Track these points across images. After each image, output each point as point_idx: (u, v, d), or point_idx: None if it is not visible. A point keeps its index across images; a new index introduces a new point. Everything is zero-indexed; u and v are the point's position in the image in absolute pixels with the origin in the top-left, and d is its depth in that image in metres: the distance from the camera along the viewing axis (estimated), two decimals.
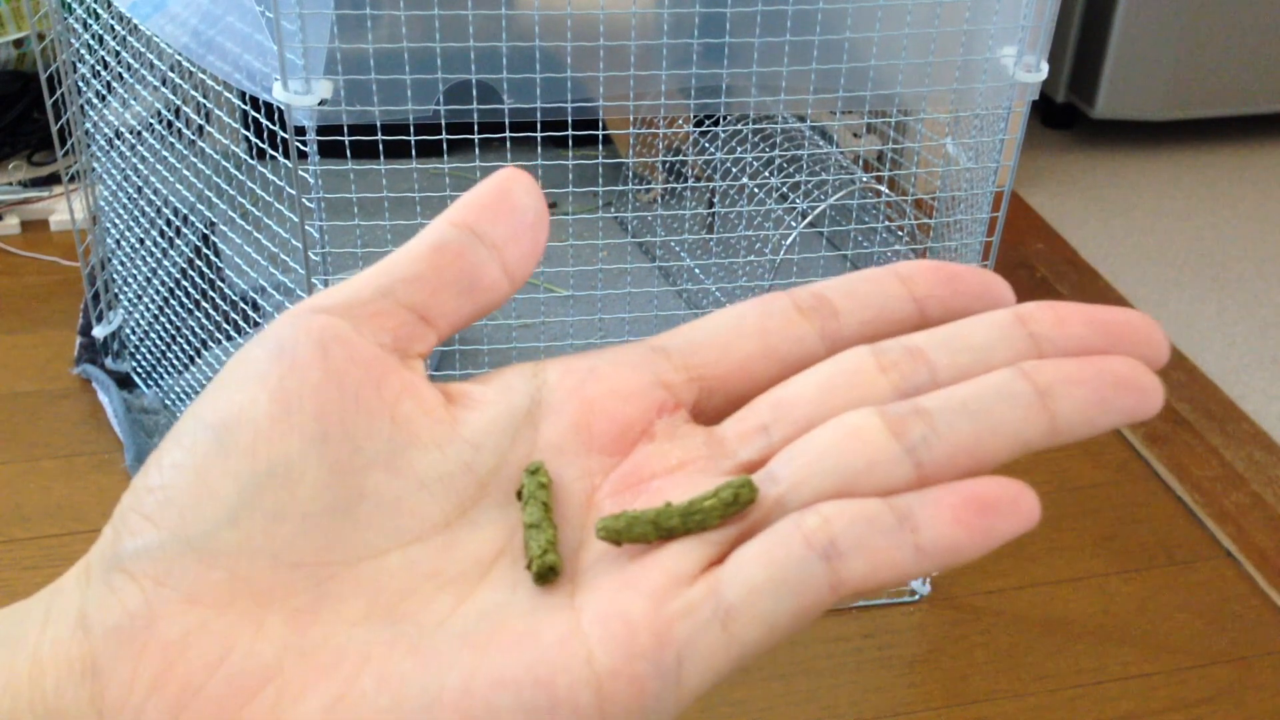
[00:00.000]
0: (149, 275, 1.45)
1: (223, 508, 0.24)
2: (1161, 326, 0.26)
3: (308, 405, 0.25)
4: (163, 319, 1.43)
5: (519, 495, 0.26)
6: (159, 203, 1.41)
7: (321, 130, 0.98)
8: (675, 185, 1.69)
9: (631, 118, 1.29)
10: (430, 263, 0.27)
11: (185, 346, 1.40)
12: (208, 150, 1.25)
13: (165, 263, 1.45)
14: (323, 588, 0.24)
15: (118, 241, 1.44)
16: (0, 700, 0.24)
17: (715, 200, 1.68)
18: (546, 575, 0.25)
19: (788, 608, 0.23)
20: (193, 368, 1.41)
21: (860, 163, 1.77)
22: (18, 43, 1.87)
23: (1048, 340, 0.26)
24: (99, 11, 1.29)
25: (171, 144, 1.29)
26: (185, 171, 1.28)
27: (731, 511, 0.25)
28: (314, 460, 0.25)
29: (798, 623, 0.24)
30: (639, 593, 0.24)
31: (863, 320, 0.28)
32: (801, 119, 1.65)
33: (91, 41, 1.30)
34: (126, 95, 1.31)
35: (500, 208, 0.28)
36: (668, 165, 1.72)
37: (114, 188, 1.41)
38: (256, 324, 1.39)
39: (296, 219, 1.03)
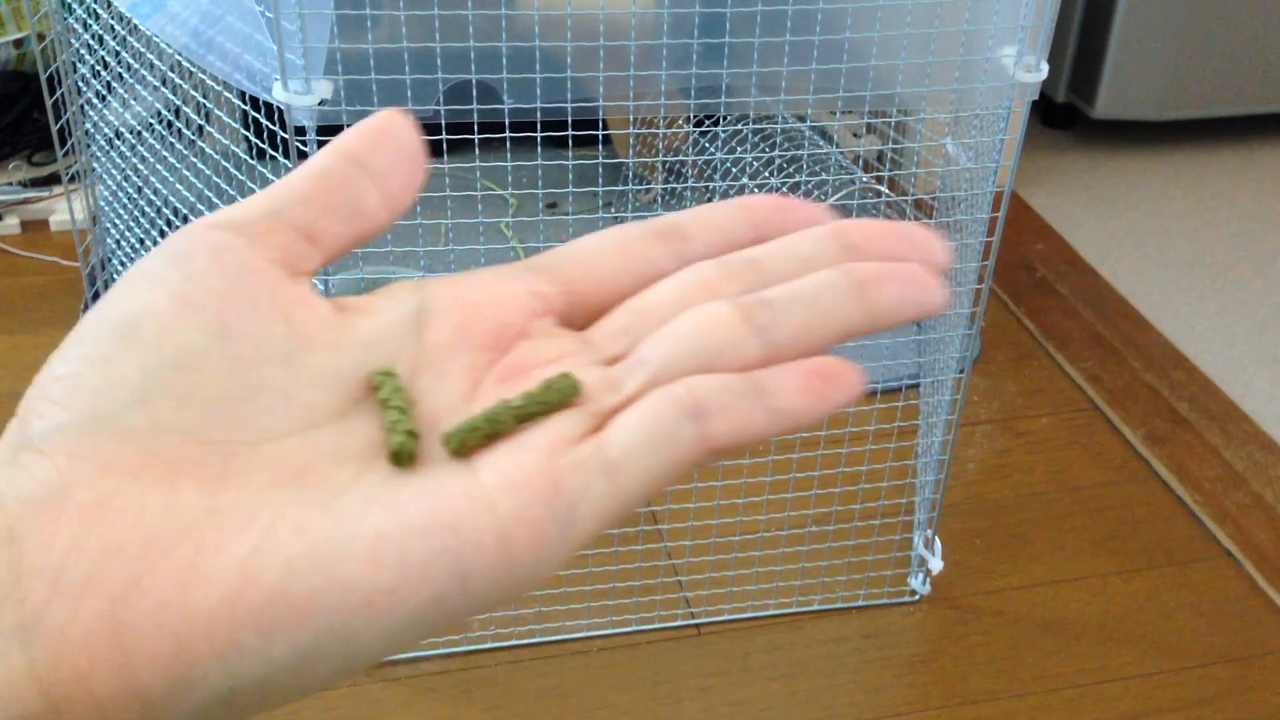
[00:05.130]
0: None
1: (131, 390, 0.26)
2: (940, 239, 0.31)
3: (208, 304, 0.27)
4: None
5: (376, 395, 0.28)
6: (159, 203, 1.41)
7: (321, 130, 0.98)
8: (675, 185, 1.69)
9: (631, 118, 1.29)
10: (316, 187, 0.29)
11: None
12: (208, 150, 1.25)
13: None
14: (229, 462, 0.26)
15: (118, 241, 1.44)
16: None
17: (690, 198, 1.68)
18: (400, 458, 0.27)
19: (663, 461, 0.27)
20: None
21: (860, 163, 1.77)
22: (18, 43, 1.87)
23: (859, 249, 0.31)
24: (99, 11, 1.29)
25: (171, 144, 1.29)
26: (185, 171, 1.28)
27: (557, 400, 0.28)
28: (216, 352, 0.27)
29: (672, 476, 0.27)
30: (533, 450, 0.27)
31: (709, 243, 0.32)
32: (801, 119, 1.65)
33: (91, 41, 1.30)
34: (126, 95, 1.31)
35: (382, 140, 0.30)
36: (667, 165, 1.72)
37: (114, 188, 1.41)
38: None
39: None
